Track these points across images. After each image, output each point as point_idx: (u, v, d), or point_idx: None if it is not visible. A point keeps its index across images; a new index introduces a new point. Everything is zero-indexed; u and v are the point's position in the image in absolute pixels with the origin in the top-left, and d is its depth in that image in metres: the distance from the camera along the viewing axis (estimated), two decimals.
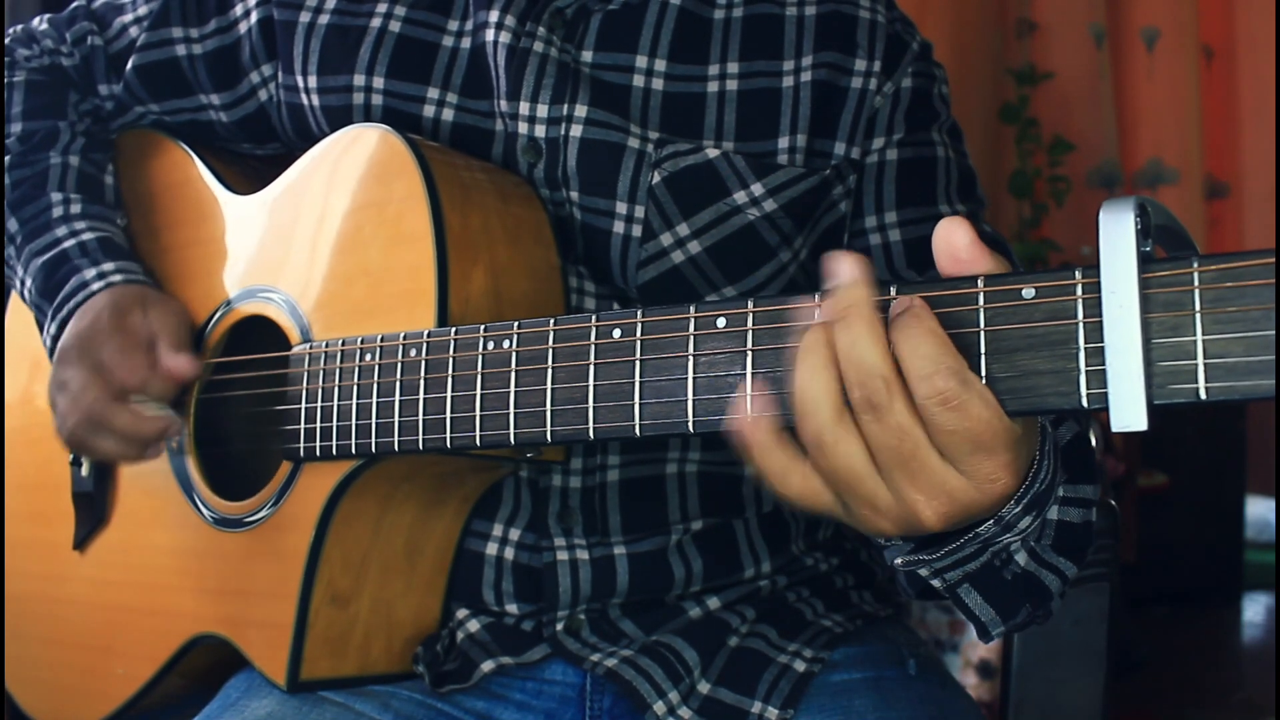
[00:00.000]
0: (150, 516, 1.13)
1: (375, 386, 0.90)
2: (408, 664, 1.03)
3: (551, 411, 0.78)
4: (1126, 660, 3.06)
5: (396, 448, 0.89)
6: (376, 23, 1.09)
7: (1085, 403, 0.59)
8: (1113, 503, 1.29)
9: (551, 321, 0.79)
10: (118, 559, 1.16)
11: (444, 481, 1.01)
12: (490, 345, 0.83)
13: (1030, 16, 3.88)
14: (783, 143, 1.03)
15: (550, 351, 0.79)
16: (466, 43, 1.07)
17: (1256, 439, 3.73)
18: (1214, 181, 3.86)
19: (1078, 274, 0.60)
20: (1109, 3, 3.83)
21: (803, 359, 0.64)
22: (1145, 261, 0.57)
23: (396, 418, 0.89)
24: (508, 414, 0.81)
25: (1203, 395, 0.56)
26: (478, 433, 0.83)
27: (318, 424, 0.95)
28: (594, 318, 0.77)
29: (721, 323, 0.70)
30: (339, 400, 0.93)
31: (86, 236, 1.14)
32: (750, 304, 0.69)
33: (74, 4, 1.26)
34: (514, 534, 1.04)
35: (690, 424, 0.71)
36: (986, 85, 3.77)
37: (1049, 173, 3.71)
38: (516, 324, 0.82)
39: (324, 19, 1.10)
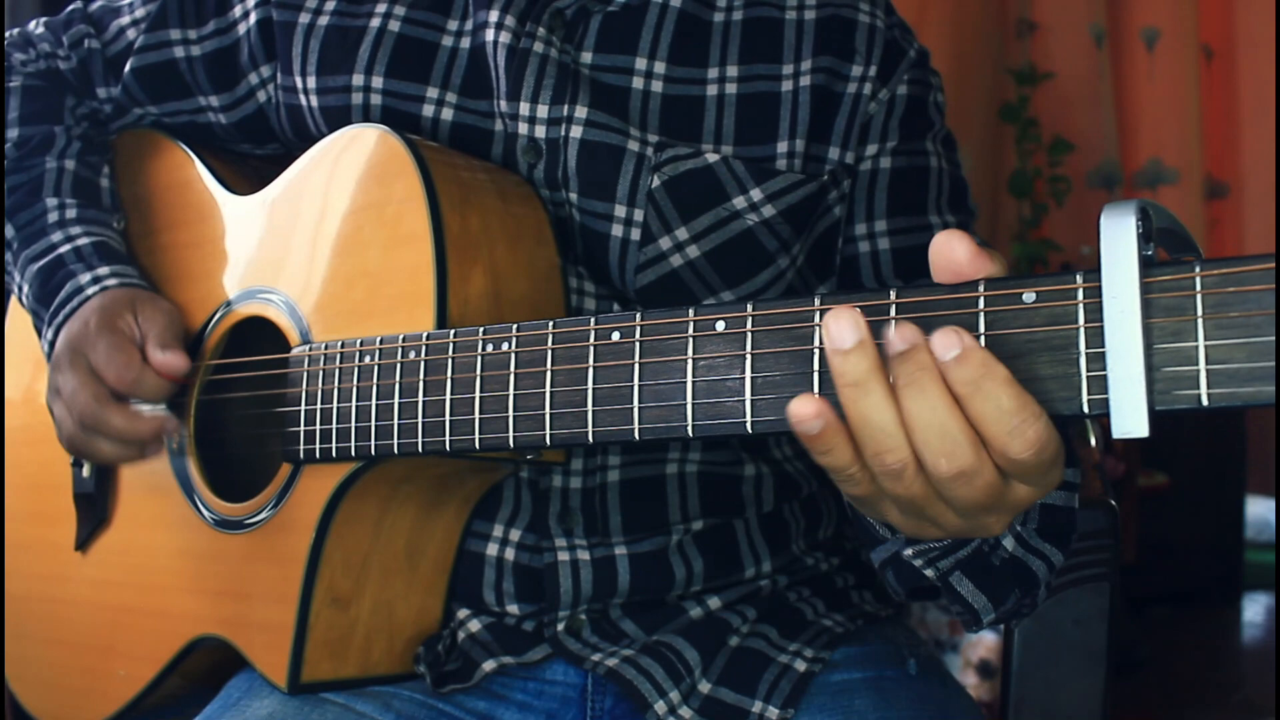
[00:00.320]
0: (151, 517, 1.13)
1: (375, 389, 0.90)
2: (409, 665, 1.03)
3: (550, 414, 0.78)
4: (1126, 660, 3.06)
5: (396, 450, 0.89)
6: (376, 23, 1.08)
7: (1086, 408, 0.59)
8: (1113, 503, 1.29)
9: (550, 324, 0.79)
10: (119, 560, 1.16)
11: (444, 483, 1.01)
12: (489, 348, 0.83)
13: (1030, 16, 3.87)
14: (781, 147, 1.03)
15: (549, 354, 0.79)
16: (466, 42, 1.06)
17: (1256, 439, 3.73)
18: (1214, 181, 3.86)
19: (1079, 278, 0.59)
20: (1109, 3, 3.83)
21: (848, 377, 0.61)
22: (1147, 266, 0.57)
23: (396, 420, 0.89)
24: (507, 417, 0.81)
25: (1205, 401, 0.55)
26: (477, 435, 0.83)
27: (317, 426, 0.95)
28: (593, 320, 0.76)
29: (720, 326, 0.70)
30: (338, 402, 0.93)
31: (82, 241, 1.14)
32: (749, 307, 0.69)
33: (70, 7, 1.26)
34: (514, 534, 1.04)
35: (689, 428, 0.71)
36: (986, 85, 3.77)
37: (1049, 173, 3.71)
38: (515, 327, 0.81)
39: (324, 20, 1.10)
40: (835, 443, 0.64)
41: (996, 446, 0.61)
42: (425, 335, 0.88)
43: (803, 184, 1.03)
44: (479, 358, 0.83)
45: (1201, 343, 0.55)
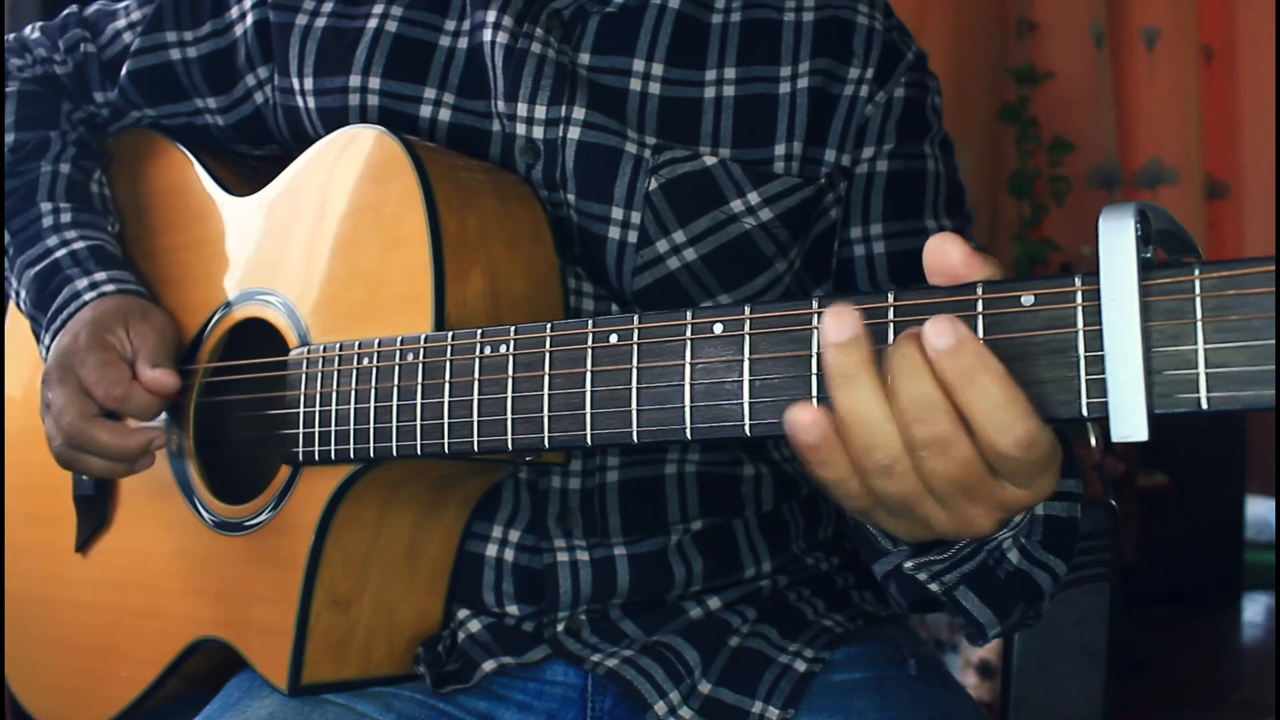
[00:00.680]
0: (151, 519, 1.13)
1: (373, 391, 0.90)
2: (410, 666, 1.03)
3: (549, 417, 0.78)
4: (1126, 660, 3.06)
5: (394, 452, 0.89)
6: (373, 23, 1.08)
7: (1086, 412, 0.58)
8: (1113, 503, 1.29)
9: (548, 326, 0.79)
10: (119, 562, 1.16)
11: (443, 484, 1.01)
12: (487, 350, 0.83)
13: (1030, 16, 3.88)
14: (779, 149, 1.03)
15: (547, 356, 0.79)
16: (464, 43, 1.06)
17: (1256, 439, 3.73)
18: (1214, 181, 3.86)
19: (1078, 281, 0.59)
20: (1109, 3, 3.83)
21: (839, 369, 0.61)
22: (1146, 268, 0.57)
23: (394, 422, 0.88)
24: (505, 419, 0.81)
25: (1204, 405, 0.55)
26: (475, 438, 0.83)
27: (316, 428, 0.94)
28: (590, 323, 0.76)
29: (718, 329, 0.70)
30: (337, 405, 0.93)
31: (78, 245, 1.14)
32: (747, 310, 0.69)
33: (66, 11, 1.25)
34: (514, 535, 1.03)
35: (688, 431, 0.71)
36: (986, 85, 3.77)
37: (1049, 173, 3.71)
38: (513, 329, 0.81)
39: (321, 21, 1.10)
40: (832, 454, 0.63)
41: (985, 439, 0.60)
42: (423, 337, 0.88)
43: (800, 187, 1.03)
44: (477, 360, 0.83)
45: (1201, 346, 0.55)
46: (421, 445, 0.87)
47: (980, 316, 0.61)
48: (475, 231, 0.95)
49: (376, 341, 0.91)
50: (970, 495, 0.63)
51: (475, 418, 0.83)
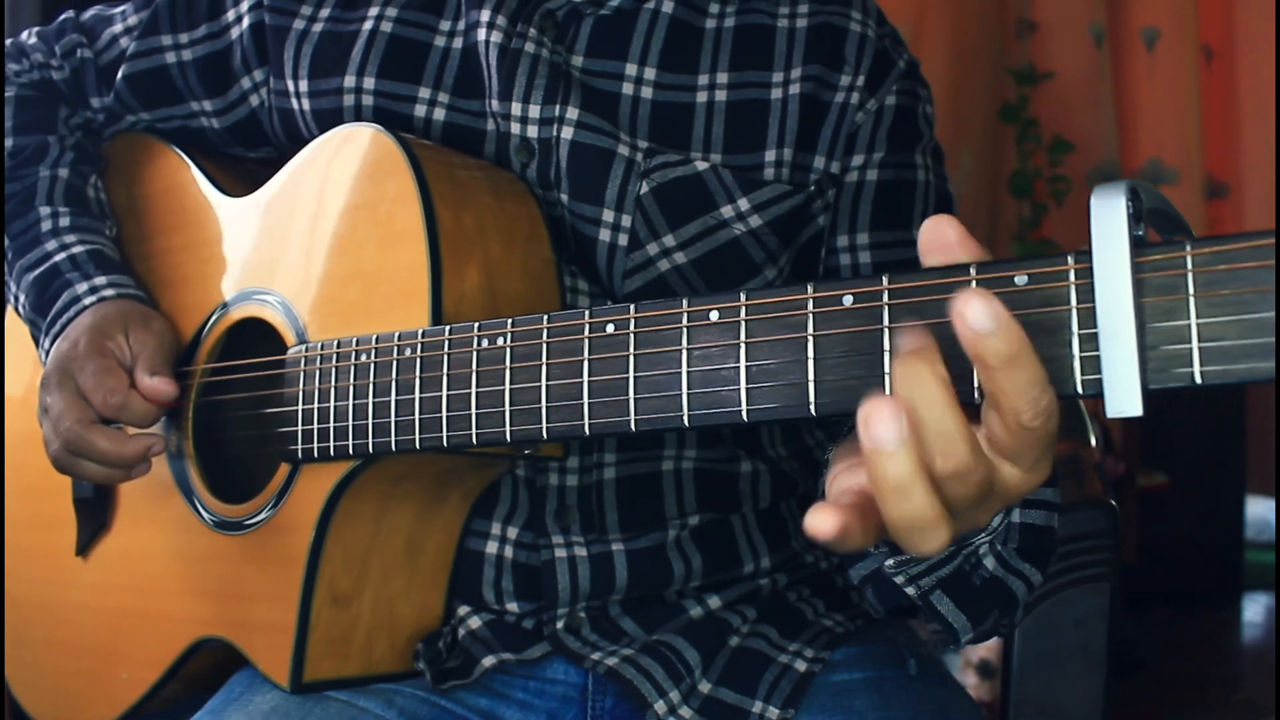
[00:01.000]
0: (151, 521, 1.13)
1: (371, 387, 0.90)
2: (411, 663, 1.03)
3: (547, 408, 0.78)
4: (1126, 660, 3.06)
5: (394, 447, 0.89)
6: (368, 25, 1.08)
7: (1080, 389, 0.59)
8: (1113, 503, 1.29)
9: (545, 318, 0.79)
10: (120, 564, 1.16)
11: (443, 479, 1.01)
12: (484, 343, 0.83)
13: (1030, 16, 3.88)
14: (769, 156, 1.03)
15: (544, 347, 0.79)
16: (458, 43, 1.06)
17: (1256, 439, 3.73)
18: (1214, 181, 3.86)
19: (1070, 260, 0.59)
20: (1109, 3, 3.83)
21: (889, 460, 0.58)
22: (1138, 246, 0.57)
23: (393, 417, 0.89)
24: (503, 411, 0.81)
25: (1198, 379, 0.55)
26: (474, 430, 0.83)
27: (314, 425, 0.95)
28: (587, 313, 0.77)
29: (714, 316, 0.70)
30: (335, 401, 0.93)
31: (77, 250, 1.14)
32: (743, 296, 0.69)
33: (62, 17, 1.26)
34: (512, 532, 1.04)
35: (685, 418, 0.71)
36: (986, 85, 3.77)
37: (1049, 173, 3.71)
38: (510, 321, 0.81)
39: (318, 26, 1.10)
40: (856, 538, 0.62)
41: (1008, 416, 0.59)
42: (421, 332, 0.88)
43: (790, 195, 1.03)
44: (475, 353, 0.83)
45: (1194, 321, 0.55)
46: (420, 439, 0.87)
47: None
48: (472, 228, 0.95)
49: (374, 337, 0.91)
50: (978, 507, 0.63)
51: (473, 410, 0.83)
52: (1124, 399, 0.57)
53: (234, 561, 1.04)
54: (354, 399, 0.92)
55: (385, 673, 1.02)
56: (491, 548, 1.04)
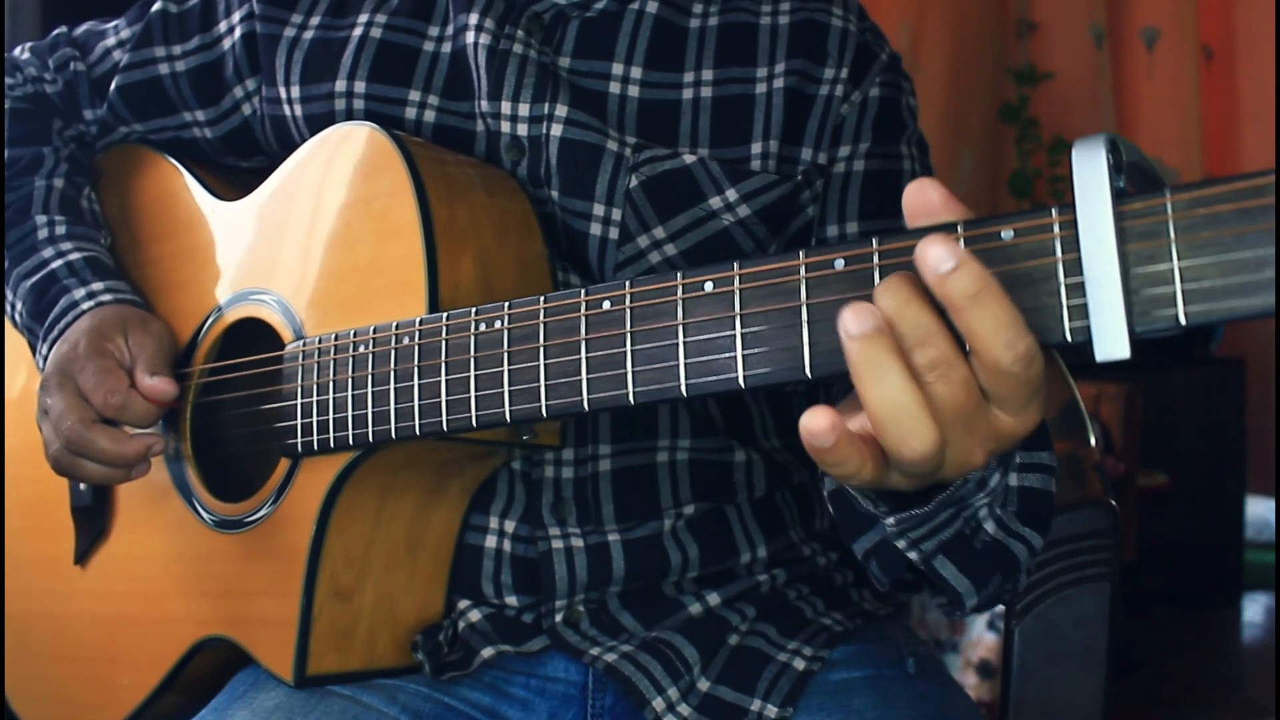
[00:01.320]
0: (150, 524, 1.13)
1: (370, 377, 0.91)
2: (413, 657, 1.03)
3: (546, 386, 0.79)
4: (1126, 660, 3.06)
5: (394, 435, 0.89)
6: (358, 31, 1.10)
7: (1069, 336, 0.60)
8: (1113, 503, 1.29)
9: (542, 299, 0.80)
10: (120, 570, 1.16)
11: (442, 471, 1.01)
12: (482, 326, 0.84)
13: (1030, 16, 3.88)
14: (756, 148, 1.04)
15: (542, 328, 0.80)
16: (447, 47, 1.08)
17: (1256, 439, 3.73)
18: (1215, 177, 3.86)
19: (1054, 212, 0.61)
20: (1109, 3, 3.84)
21: (867, 362, 0.62)
22: (1119, 195, 0.58)
23: (392, 405, 0.89)
24: (502, 392, 0.82)
25: (1182, 320, 0.57)
26: (473, 413, 0.84)
27: (314, 418, 0.95)
28: (583, 291, 0.78)
29: (709, 287, 0.71)
30: (334, 393, 0.94)
31: (74, 257, 1.15)
32: (736, 266, 0.70)
33: (55, 31, 1.27)
34: (509, 526, 1.04)
35: (682, 387, 0.72)
36: (986, 85, 3.78)
37: (1049, 173, 3.72)
38: (507, 304, 0.82)
39: (309, 34, 1.12)
40: (847, 453, 0.64)
41: (987, 360, 0.61)
42: (418, 320, 0.89)
43: (777, 184, 1.04)
44: (473, 337, 0.84)
45: (1176, 264, 0.57)
46: (420, 425, 0.88)
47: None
48: (465, 221, 0.96)
49: (372, 328, 0.92)
50: (969, 427, 0.64)
51: (473, 393, 0.84)
52: (1111, 343, 0.58)
53: (235, 559, 1.04)
54: (353, 389, 0.92)
55: (388, 666, 1.02)
56: (490, 542, 1.05)
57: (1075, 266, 0.60)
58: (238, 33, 1.15)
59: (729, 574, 1.08)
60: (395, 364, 0.89)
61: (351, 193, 0.99)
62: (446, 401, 0.86)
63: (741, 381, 0.70)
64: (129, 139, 1.24)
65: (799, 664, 1.02)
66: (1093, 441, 1.41)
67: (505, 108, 1.04)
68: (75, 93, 1.24)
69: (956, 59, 3.65)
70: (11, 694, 1.27)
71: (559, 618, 1.04)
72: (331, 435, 0.94)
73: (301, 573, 0.97)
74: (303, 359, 0.97)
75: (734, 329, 0.70)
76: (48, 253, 1.15)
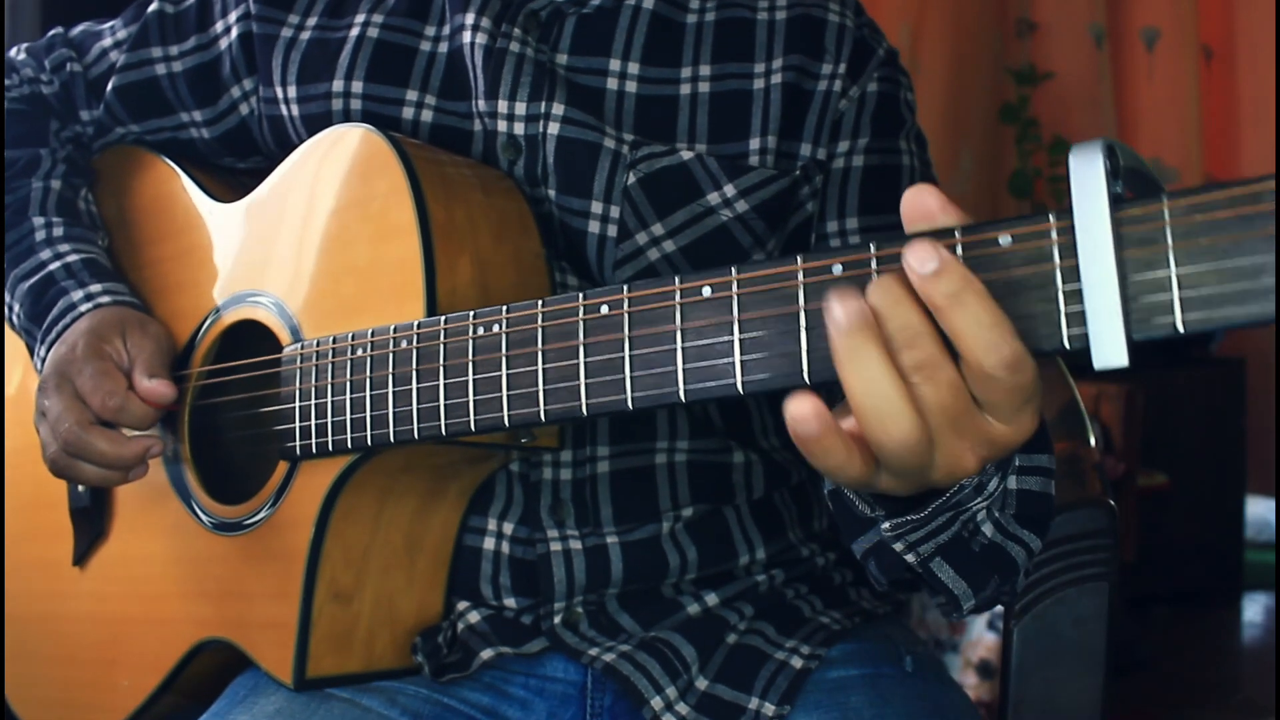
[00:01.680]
0: (149, 526, 1.13)
1: (368, 380, 0.91)
2: (412, 659, 1.04)
3: (544, 391, 0.79)
4: (1126, 660, 3.06)
5: (392, 438, 0.89)
6: (355, 31, 1.10)
7: (1067, 344, 0.60)
8: (1112, 503, 1.29)
9: (540, 303, 0.80)
10: (119, 571, 1.16)
11: (440, 473, 1.01)
12: (480, 330, 0.84)
13: (1030, 16, 3.88)
14: (754, 144, 1.04)
15: (540, 332, 0.80)
16: (444, 47, 1.08)
17: (1256, 439, 3.73)
18: (1213, 182, 3.86)
19: (1052, 218, 0.60)
20: (1109, 3, 3.84)
21: (849, 350, 0.63)
22: (1116, 201, 0.58)
23: (391, 409, 0.89)
24: (500, 396, 0.82)
25: (1180, 327, 0.57)
26: (471, 417, 0.84)
27: (312, 421, 0.95)
28: (581, 296, 0.78)
29: (707, 292, 0.71)
30: (332, 396, 0.94)
31: (71, 258, 1.15)
32: (734, 271, 0.70)
33: (51, 32, 1.27)
34: (508, 528, 1.04)
35: (681, 393, 0.72)
36: (986, 85, 3.77)
37: (1049, 173, 3.72)
38: (505, 308, 0.82)
39: (306, 34, 1.12)
40: (833, 443, 0.64)
41: (971, 362, 0.61)
42: (416, 324, 0.89)
43: (775, 179, 1.04)
44: (470, 341, 0.84)
45: (1173, 271, 0.57)
46: (418, 429, 0.87)
47: (960, 259, 0.63)
48: (463, 222, 0.96)
49: (369, 331, 0.92)
50: (957, 429, 0.64)
51: (471, 397, 0.84)
52: (1109, 350, 0.58)
53: (233, 562, 1.04)
54: (351, 393, 0.92)
55: (387, 668, 1.02)
56: (488, 544, 1.05)
57: (1073, 273, 0.59)
58: (234, 33, 1.15)
59: (727, 575, 1.08)
60: (393, 367, 0.89)
61: (348, 195, 0.99)
62: (444, 405, 0.85)
63: (740, 387, 0.70)
64: (125, 140, 1.24)
65: (796, 662, 1.02)
66: (1092, 441, 1.41)
67: (502, 106, 1.04)
68: (72, 94, 1.23)
69: (956, 59, 3.64)
70: (12, 695, 1.27)
71: (558, 619, 1.04)
72: (330, 439, 0.94)
73: (300, 575, 0.97)
74: (300, 362, 0.97)
75: (732, 334, 0.70)
76: (45, 254, 1.15)
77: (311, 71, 1.10)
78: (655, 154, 1.03)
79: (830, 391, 0.67)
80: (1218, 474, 3.70)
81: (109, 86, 1.20)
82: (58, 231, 1.17)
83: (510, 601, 1.05)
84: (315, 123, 1.09)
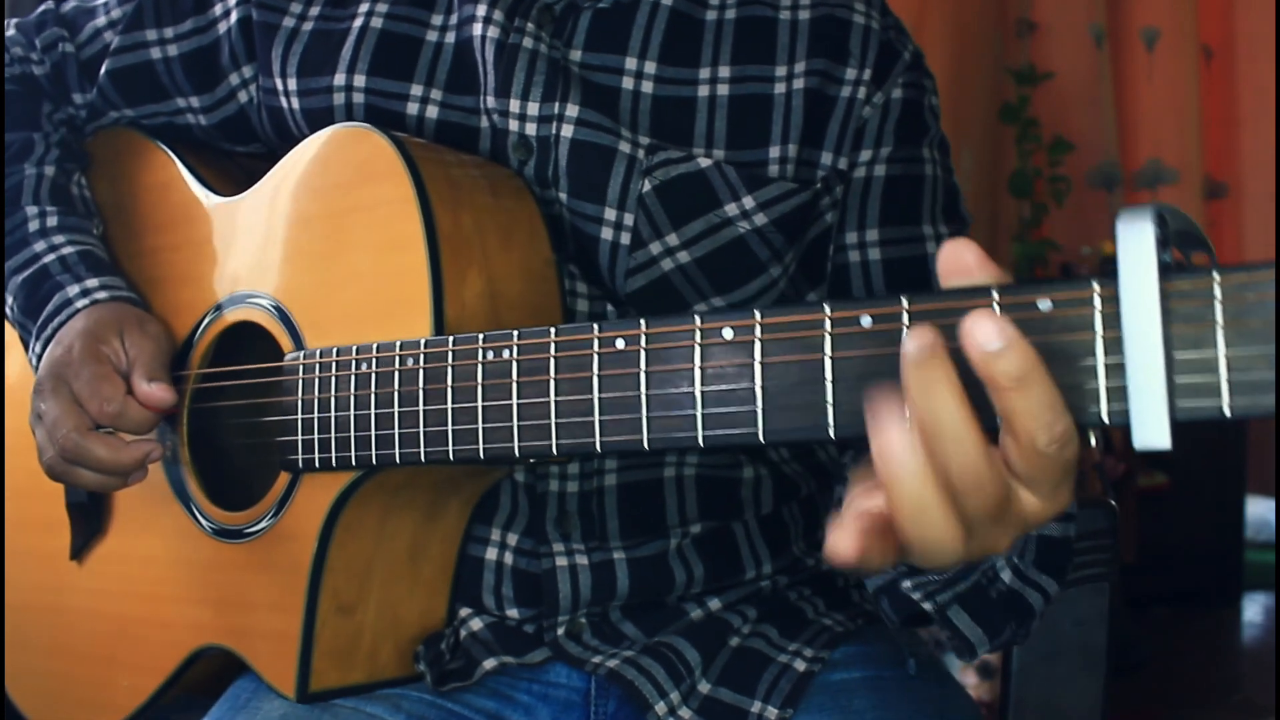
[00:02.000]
0: (148, 526, 1.12)
1: (373, 397, 0.89)
2: (415, 667, 1.03)
3: (557, 424, 0.77)
4: (1126, 660, 3.06)
5: (398, 459, 0.87)
6: (359, 21, 1.07)
7: (1106, 419, 0.57)
8: (1113, 503, 1.29)
9: (553, 331, 0.78)
10: (117, 569, 1.15)
11: (444, 486, 1.00)
12: (490, 355, 0.81)
13: (1030, 16, 3.88)
14: (774, 152, 1.01)
15: (552, 362, 0.77)
16: (451, 37, 1.05)
17: (1256, 439, 3.73)
18: (1213, 182, 3.86)
19: (1095, 286, 0.57)
20: (1109, 3, 3.83)
21: (896, 456, 0.59)
22: (1165, 272, 0.55)
23: (396, 429, 0.87)
24: (511, 426, 0.80)
25: (1227, 412, 0.54)
26: (481, 445, 0.82)
27: (315, 435, 0.93)
28: (596, 328, 0.75)
29: (728, 334, 0.69)
30: (336, 411, 0.91)
31: (66, 250, 1.12)
32: (758, 315, 0.67)
33: (42, 7, 1.22)
34: (512, 539, 1.03)
35: (700, 438, 0.69)
36: (986, 85, 3.77)
37: (1049, 173, 3.71)
38: (516, 334, 0.80)
39: (307, 25, 1.08)
40: (870, 555, 0.62)
41: (1023, 440, 0.58)
42: (423, 342, 0.86)
43: (795, 192, 1.01)
44: (480, 365, 0.82)
45: (1222, 351, 0.54)
46: (425, 452, 0.85)
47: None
48: (470, 230, 0.93)
49: (375, 346, 0.89)
50: (995, 520, 0.61)
51: (480, 425, 0.81)
52: (1152, 431, 0.55)
53: (235, 570, 1.03)
54: (355, 409, 0.90)
55: (390, 679, 1.01)
56: (491, 554, 1.03)
57: (1116, 345, 0.57)
58: (234, 16, 1.11)
59: (732, 586, 1.07)
60: (400, 386, 0.87)
61: (352, 198, 0.97)
62: (453, 431, 0.83)
63: (761, 436, 0.67)
64: (120, 123, 1.20)
65: (800, 665, 1.02)
66: (1093, 442, 1.41)
67: (514, 106, 1.01)
68: (64, 76, 1.19)
69: (956, 59, 3.64)
70: (11, 686, 1.25)
71: (561, 631, 1.02)
72: (334, 454, 0.92)
73: (303, 588, 0.95)
74: (303, 372, 0.95)
75: (754, 381, 0.67)
76: (39, 245, 1.12)
77: (313, 64, 1.07)
78: (672, 160, 1.00)
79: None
80: (1218, 474, 3.70)
81: (102, 70, 1.16)
82: (51, 221, 1.14)
83: (513, 612, 1.03)
84: (317, 117, 1.06)
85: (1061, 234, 3.71)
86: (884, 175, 1.03)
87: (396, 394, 0.87)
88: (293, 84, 1.08)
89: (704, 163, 1.01)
